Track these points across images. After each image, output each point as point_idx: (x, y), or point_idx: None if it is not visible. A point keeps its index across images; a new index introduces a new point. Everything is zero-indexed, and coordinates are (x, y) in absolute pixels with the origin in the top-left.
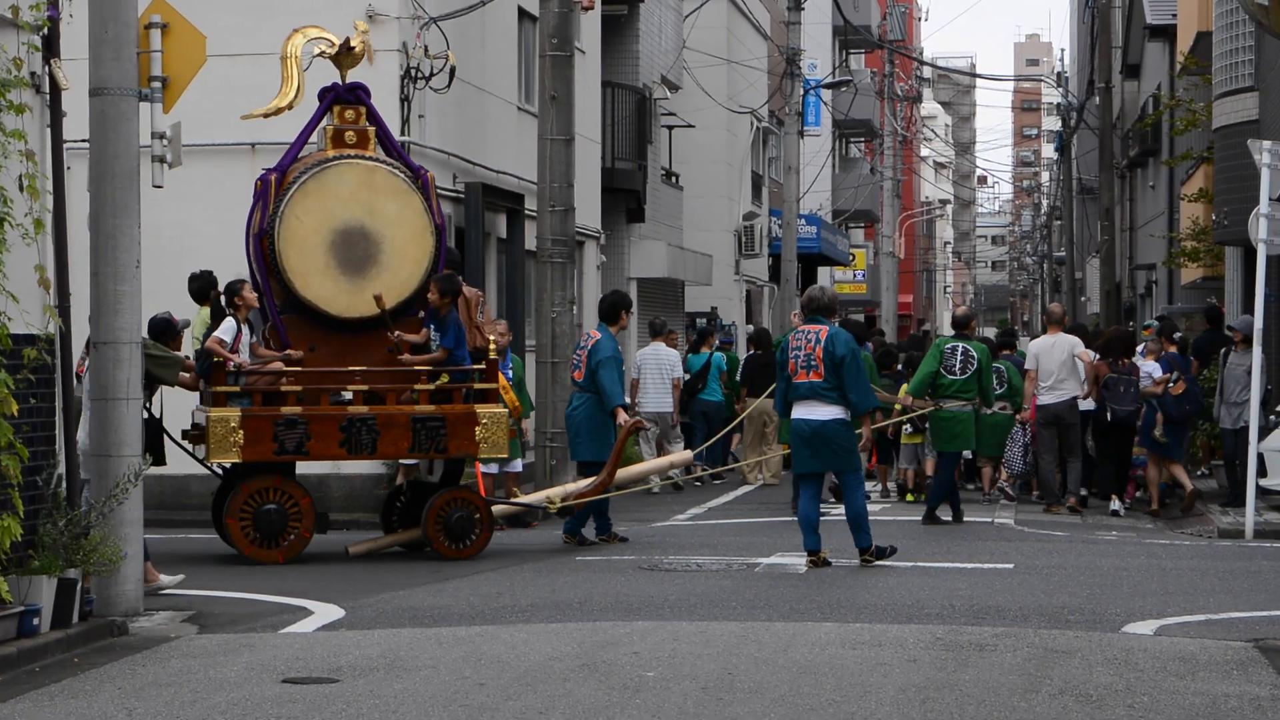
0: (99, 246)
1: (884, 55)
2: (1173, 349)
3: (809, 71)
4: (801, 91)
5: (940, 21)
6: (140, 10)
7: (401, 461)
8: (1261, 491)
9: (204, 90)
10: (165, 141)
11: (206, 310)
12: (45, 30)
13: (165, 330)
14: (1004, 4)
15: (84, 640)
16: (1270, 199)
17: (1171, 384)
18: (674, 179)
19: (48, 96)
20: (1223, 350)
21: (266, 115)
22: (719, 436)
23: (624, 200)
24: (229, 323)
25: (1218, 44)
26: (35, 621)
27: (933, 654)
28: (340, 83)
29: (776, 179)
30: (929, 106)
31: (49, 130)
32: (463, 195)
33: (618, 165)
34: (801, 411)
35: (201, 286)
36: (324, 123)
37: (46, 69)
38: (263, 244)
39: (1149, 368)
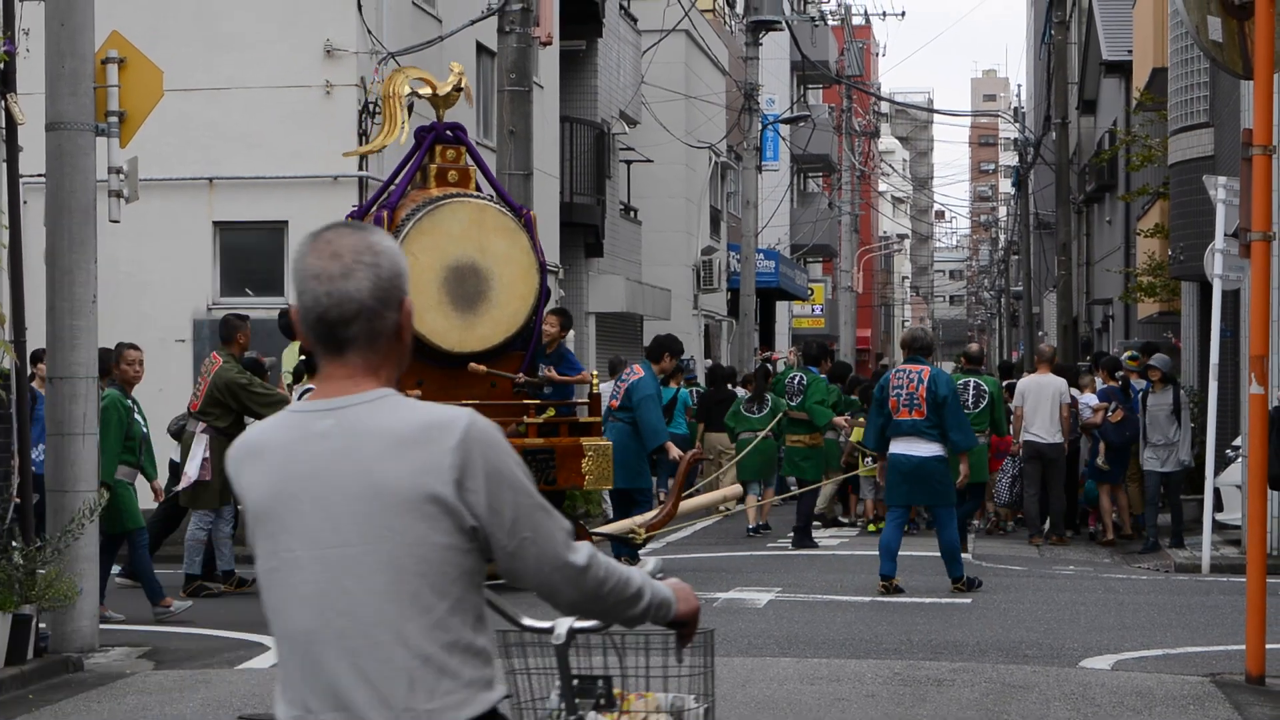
0: (55, 281)
1: (842, 90)
2: (1113, 382)
3: (767, 107)
4: (760, 126)
5: (898, 57)
6: (97, 45)
7: None
8: (1218, 526)
9: (161, 125)
10: (122, 176)
11: (298, 345)
12: (1, 65)
13: (254, 370)
14: (961, 40)
15: (39, 676)
16: (1225, 234)
17: (1110, 412)
18: (632, 214)
19: (4, 131)
20: (1141, 393)
21: (366, 154)
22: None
23: (582, 235)
24: None
25: (1173, 80)
26: None
27: (890, 689)
28: (439, 122)
29: (735, 214)
30: (887, 141)
31: (5, 165)
32: None
33: (576, 200)
34: (901, 447)
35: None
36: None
37: (2, 104)
38: None
39: (1085, 399)
